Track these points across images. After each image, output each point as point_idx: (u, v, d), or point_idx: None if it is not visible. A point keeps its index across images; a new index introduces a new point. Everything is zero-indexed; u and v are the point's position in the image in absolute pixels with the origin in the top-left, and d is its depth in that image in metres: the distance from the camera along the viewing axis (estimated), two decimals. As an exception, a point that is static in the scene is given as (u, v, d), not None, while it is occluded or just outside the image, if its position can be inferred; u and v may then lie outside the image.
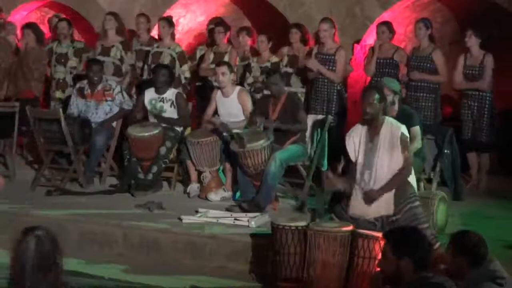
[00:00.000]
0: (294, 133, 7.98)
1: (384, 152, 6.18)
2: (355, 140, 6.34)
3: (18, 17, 11.27)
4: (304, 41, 9.46)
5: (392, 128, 6.23)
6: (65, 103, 9.40)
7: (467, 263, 4.23)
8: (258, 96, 9.06)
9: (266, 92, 8.71)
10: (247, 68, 9.54)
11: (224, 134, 8.14)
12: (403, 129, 6.25)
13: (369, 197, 6.16)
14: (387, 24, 9.13)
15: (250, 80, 9.40)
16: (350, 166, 6.44)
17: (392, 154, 6.17)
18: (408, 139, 6.30)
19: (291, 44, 9.44)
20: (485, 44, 8.62)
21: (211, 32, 9.88)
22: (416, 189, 6.43)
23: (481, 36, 8.54)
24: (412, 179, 6.36)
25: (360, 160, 6.28)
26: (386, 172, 6.17)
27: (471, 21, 9.22)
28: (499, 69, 8.66)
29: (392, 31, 9.11)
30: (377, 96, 6.27)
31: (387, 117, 6.33)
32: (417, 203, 6.24)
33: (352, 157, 6.35)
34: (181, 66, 9.46)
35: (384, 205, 6.14)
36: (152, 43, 9.75)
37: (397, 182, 6.16)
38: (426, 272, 3.91)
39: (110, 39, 9.66)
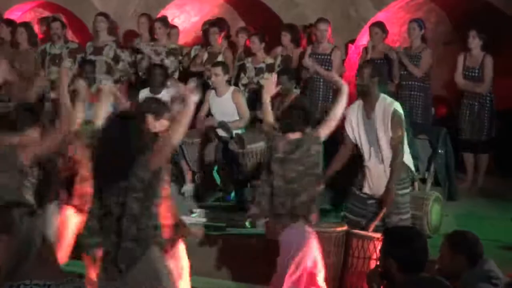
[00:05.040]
0: None
1: (381, 128, 6.14)
2: (352, 118, 6.30)
3: (13, 17, 11.24)
4: (297, 42, 9.42)
5: (386, 105, 6.17)
6: (59, 103, 9.37)
7: (467, 262, 4.23)
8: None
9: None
10: (241, 68, 9.53)
11: (221, 134, 8.13)
12: (397, 106, 6.19)
13: (390, 197, 6.10)
14: (380, 24, 9.13)
15: (244, 80, 9.37)
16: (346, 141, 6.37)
17: (386, 130, 6.14)
18: (402, 117, 6.21)
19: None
20: (488, 46, 8.59)
21: (205, 32, 9.87)
22: (413, 168, 6.41)
23: (483, 37, 8.51)
24: (407, 158, 6.30)
25: (364, 138, 6.24)
26: (386, 147, 6.14)
27: (465, 21, 9.22)
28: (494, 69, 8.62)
29: (385, 31, 9.11)
30: (368, 70, 6.24)
31: (383, 95, 6.27)
32: (405, 190, 6.24)
33: (351, 136, 6.30)
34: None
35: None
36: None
37: (398, 166, 6.11)
38: (421, 274, 3.87)
39: (102, 39, 9.67)
